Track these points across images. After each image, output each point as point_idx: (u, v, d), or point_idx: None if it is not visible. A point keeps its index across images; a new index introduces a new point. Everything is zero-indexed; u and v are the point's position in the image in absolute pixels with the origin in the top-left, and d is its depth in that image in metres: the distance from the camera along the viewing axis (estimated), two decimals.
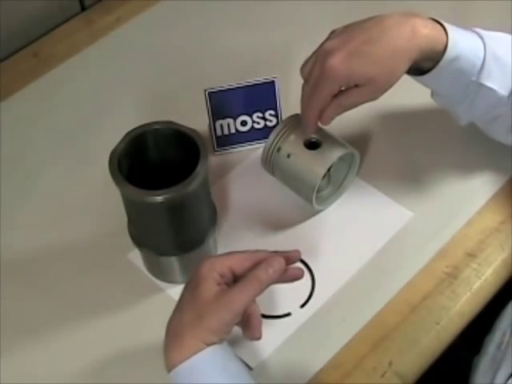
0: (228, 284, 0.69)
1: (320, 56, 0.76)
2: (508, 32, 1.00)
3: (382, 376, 0.76)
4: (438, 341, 0.80)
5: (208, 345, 0.65)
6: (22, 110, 1.02)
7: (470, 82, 0.79)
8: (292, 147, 0.85)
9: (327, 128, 0.87)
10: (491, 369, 0.77)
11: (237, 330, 0.79)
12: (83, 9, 1.15)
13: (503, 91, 0.79)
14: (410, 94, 0.87)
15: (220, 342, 0.67)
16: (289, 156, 0.85)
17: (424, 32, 0.75)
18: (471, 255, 0.85)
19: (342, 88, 0.77)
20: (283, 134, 0.85)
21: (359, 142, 0.94)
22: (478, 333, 0.82)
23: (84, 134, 0.98)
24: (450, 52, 0.76)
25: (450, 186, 0.90)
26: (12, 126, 1.00)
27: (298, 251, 0.73)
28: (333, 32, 0.80)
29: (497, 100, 0.80)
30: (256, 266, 0.69)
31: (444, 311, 0.81)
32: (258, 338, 0.72)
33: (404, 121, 0.97)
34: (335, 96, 0.78)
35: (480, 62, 0.77)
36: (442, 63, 0.76)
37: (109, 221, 0.87)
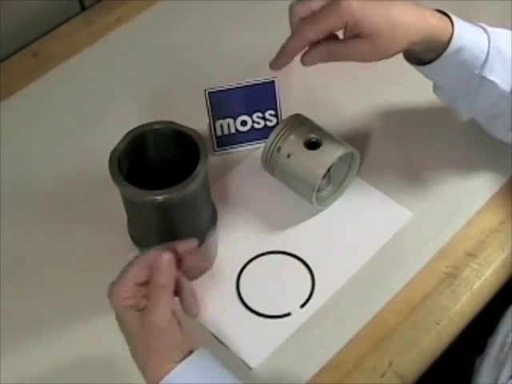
0: (143, 296, 0.68)
1: None
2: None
3: (382, 376, 0.76)
4: (438, 341, 0.80)
5: (176, 362, 0.66)
6: (22, 110, 1.02)
7: (473, 75, 0.79)
8: (292, 147, 0.85)
9: (327, 128, 0.87)
10: (494, 370, 0.77)
11: (237, 330, 0.79)
12: (83, 9, 1.15)
13: (505, 86, 0.79)
14: (410, 93, 0.87)
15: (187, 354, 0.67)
16: (289, 156, 0.85)
17: (431, 21, 0.76)
18: (471, 255, 0.85)
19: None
20: (283, 134, 0.85)
21: (359, 141, 0.93)
22: (478, 333, 0.82)
23: (84, 133, 0.98)
24: (455, 43, 0.76)
25: (449, 186, 0.90)
26: (12, 126, 1.00)
27: (193, 240, 0.71)
28: None
29: (498, 95, 0.80)
30: (152, 268, 0.68)
31: (444, 311, 0.81)
32: (195, 315, 0.71)
33: (404, 120, 0.97)
34: (326, 42, 0.75)
35: (484, 56, 0.78)
36: (445, 53, 0.76)
37: (109, 221, 0.87)
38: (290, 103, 0.94)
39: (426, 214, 0.88)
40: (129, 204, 0.75)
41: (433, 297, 0.82)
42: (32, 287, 0.84)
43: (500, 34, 0.79)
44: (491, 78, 0.79)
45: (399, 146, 0.95)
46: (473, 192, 0.90)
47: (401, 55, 0.97)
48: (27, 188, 0.93)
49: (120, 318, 0.68)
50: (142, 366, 0.68)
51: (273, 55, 1.05)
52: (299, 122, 0.86)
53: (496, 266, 0.84)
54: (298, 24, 0.75)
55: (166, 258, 0.66)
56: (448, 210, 0.88)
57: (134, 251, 0.82)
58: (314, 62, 0.77)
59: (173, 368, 0.66)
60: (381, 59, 0.76)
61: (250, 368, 0.77)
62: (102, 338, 0.79)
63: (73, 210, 0.90)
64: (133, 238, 0.80)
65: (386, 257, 0.85)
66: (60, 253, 0.86)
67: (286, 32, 1.01)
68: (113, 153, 0.73)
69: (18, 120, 1.01)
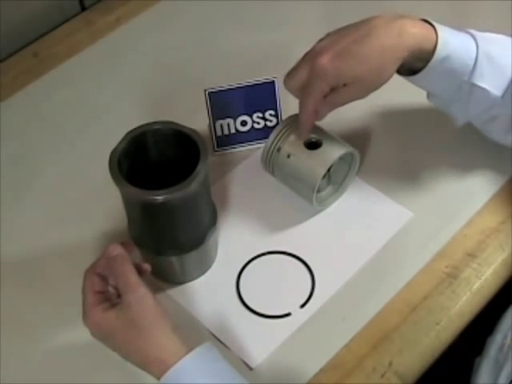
0: (114, 296, 0.71)
1: (310, 57, 0.77)
2: (508, 32, 1.00)
3: (382, 376, 0.76)
4: (438, 341, 0.80)
5: (186, 352, 0.67)
6: (22, 110, 1.02)
7: (463, 82, 0.78)
8: (292, 147, 0.85)
9: (327, 128, 0.87)
10: (494, 371, 0.77)
11: (237, 330, 0.79)
12: (83, 9, 1.15)
13: (496, 91, 0.79)
14: (410, 93, 0.87)
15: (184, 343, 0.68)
16: (289, 156, 0.85)
17: (412, 31, 0.75)
18: (471, 255, 0.85)
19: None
20: (283, 134, 0.85)
21: (359, 141, 0.93)
22: (478, 333, 0.82)
23: (84, 133, 0.98)
24: (441, 51, 0.76)
25: (449, 186, 0.90)
26: (12, 126, 1.00)
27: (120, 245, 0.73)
28: (327, 34, 0.80)
29: (491, 100, 0.80)
30: (105, 268, 0.72)
31: (444, 311, 0.81)
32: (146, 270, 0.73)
33: (404, 121, 0.97)
34: (326, 96, 0.78)
35: (472, 62, 0.77)
36: (432, 62, 0.76)
37: (109, 221, 0.87)
38: (290, 103, 0.94)
39: (426, 213, 0.88)
40: (129, 204, 0.75)
41: (433, 297, 0.82)
42: (32, 287, 0.84)
43: (488, 39, 0.79)
44: (481, 84, 0.78)
45: (399, 146, 0.95)
46: (473, 192, 0.90)
47: None
48: (27, 188, 0.93)
49: (104, 332, 0.69)
50: (144, 359, 0.68)
51: (273, 55, 1.06)
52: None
53: (496, 266, 0.84)
54: (299, 100, 0.80)
55: (111, 249, 0.71)
56: (448, 210, 0.88)
57: (134, 251, 0.82)
58: (325, 116, 0.82)
59: (178, 356, 0.66)
60: (377, 88, 0.78)
61: (250, 368, 0.77)
62: None
63: (73, 210, 0.90)
64: (133, 237, 0.80)
65: (386, 257, 0.85)
66: (60, 253, 0.86)
67: (286, 32, 1.02)
68: (113, 153, 0.73)
69: (17, 120, 1.01)
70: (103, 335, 0.70)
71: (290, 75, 0.80)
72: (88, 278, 0.72)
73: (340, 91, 0.78)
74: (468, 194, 0.90)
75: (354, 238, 0.86)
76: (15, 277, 0.85)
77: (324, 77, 0.76)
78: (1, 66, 1.07)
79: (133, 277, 0.69)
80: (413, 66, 0.78)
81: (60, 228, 0.89)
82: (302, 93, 0.79)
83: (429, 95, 0.85)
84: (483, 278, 0.83)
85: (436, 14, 1.11)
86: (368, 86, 0.77)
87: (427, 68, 0.77)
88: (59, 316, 0.81)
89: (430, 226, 0.87)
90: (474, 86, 0.78)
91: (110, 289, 0.72)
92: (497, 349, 0.79)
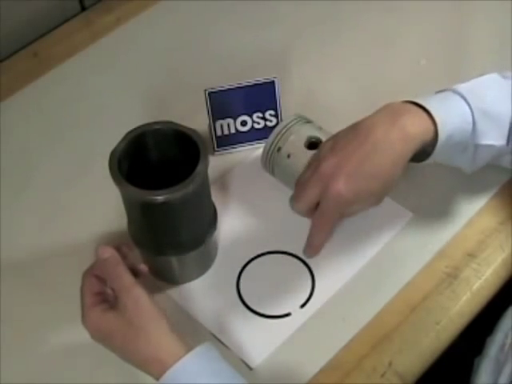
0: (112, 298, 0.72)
1: (322, 179, 0.77)
2: (508, 32, 1.00)
3: (382, 376, 0.76)
4: (438, 341, 0.80)
5: (186, 351, 0.67)
6: (21, 110, 1.02)
7: (467, 145, 0.79)
8: (292, 147, 0.85)
9: (327, 128, 0.87)
10: (494, 370, 0.77)
11: (237, 330, 0.79)
12: (83, 9, 1.15)
13: (501, 141, 0.79)
14: (410, 94, 0.87)
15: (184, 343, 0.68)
16: (289, 156, 0.85)
17: (414, 132, 0.75)
18: (471, 255, 0.85)
19: None
20: (283, 134, 0.85)
21: None
22: (478, 333, 0.82)
23: (84, 133, 0.98)
24: (443, 135, 0.75)
25: (450, 186, 0.90)
26: (12, 126, 1.00)
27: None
28: (322, 146, 0.80)
29: (497, 151, 0.80)
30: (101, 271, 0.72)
31: (444, 311, 0.81)
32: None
33: None
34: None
35: (471, 126, 0.77)
36: (437, 148, 0.76)
37: (108, 221, 0.87)
38: (290, 103, 0.94)
39: (426, 214, 0.88)
40: (129, 204, 0.75)
41: (433, 297, 0.82)
42: (32, 287, 0.84)
43: (477, 91, 0.78)
44: (485, 142, 0.78)
45: None
46: (473, 192, 0.90)
47: (399, 55, 0.98)
48: (27, 188, 0.93)
49: (103, 333, 0.69)
50: (142, 360, 0.68)
51: (273, 55, 1.05)
52: (299, 122, 0.86)
53: (496, 266, 0.84)
54: (313, 223, 0.81)
55: (100, 251, 0.71)
56: (448, 210, 0.88)
57: (134, 251, 0.82)
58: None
59: (179, 355, 0.66)
60: (390, 192, 0.80)
61: (250, 368, 0.77)
62: None
63: (73, 210, 0.90)
64: (133, 237, 0.80)
65: (386, 257, 0.85)
66: (60, 253, 0.86)
67: (285, 32, 1.02)
68: (113, 153, 0.73)
69: (17, 120, 1.01)
70: (102, 336, 0.70)
71: (298, 198, 0.80)
72: (86, 280, 0.72)
73: (353, 208, 0.80)
74: (468, 194, 0.90)
75: (354, 238, 0.86)
76: (15, 277, 0.85)
77: (341, 202, 0.76)
78: (1, 66, 1.07)
79: (127, 278, 0.70)
80: (416, 156, 0.78)
81: (60, 228, 0.89)
82: (312, 213, 0.80)
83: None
84: (483, 278, 0.83)
85: (436, 14, 1.11)
86: (380, 197, 0.79)
87: (434, 154, 0.77)
88: (59, 316, 0.81)
89: (430, 226, 0.87)
90: (479, 145, 0.78)
91: (108, 290, 0.72)
92: (497, 349, 0.79)
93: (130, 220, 0.79)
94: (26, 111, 1.02)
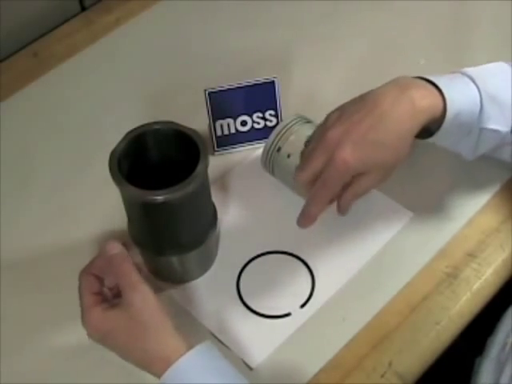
0: (111, 297, 0.72)
1: (328, 147, 0.75)
2: (508, 32, 1.00)
3: (382, 376, 0.76)
4: (438, 341, 0.80)
5: (186, 348, 0.67)
6: (21, 110, 1.02)
7: (472, 128, 0.78)
8: (292, 147, 0.85)
9: None
10: (495, 371, 0.77)
11: (237, 330, 0.79)
12: (83, 9, 1.15)
13: (506, 128, 0.78)
14: None
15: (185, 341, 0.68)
16: (289, 156, 0.85)
17: (422, 105, 0.74)
18: (471, 255, 0.85)
19: None
20: (283, 134, 0.85)
21: None
22: (478, 333, 0.82)
23: (84, 133, 0.98)
24: (450, 113, 0.75)
25: (449, 186, 0.90)
26: (12, 125, 1.00)
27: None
28: (328, 116, 0.79)
29: (501, 137, 0.79)
30: (101, 271, 0.72)
31: (444, 311, 0.81)
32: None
33: None
34: (346, 187, 0.78)
35: (478, 108, 0.76)
36: (444, 125, 0.75)
37: (109, 221, 0.87)
38: (290, 103, 0.94)
39: (426, 214, 0.88)
40: (129, 204, 0.75)
41: (433, 297, 0.82)
42: (32, 287, 0.84)
43: (486, 76, 0.78)
44: (491, 126, 0.78)
45: None
46: (473, 192, 0.90)
47: (399, 55, 0.97)
48: (27, 188, 0.93)
49: (104, 333, 0.69)
50: (146, 358, 0.68)
51: (273, 55, 1.05)
52: (299, 122, 0.86)
53: (496, 265, 0.84)
54: (312, 191, 0.78)
55: (108, 247, 0.71)
56: (448, 210, 0.88)
57: (134, 251, 0.82)
58: (347, 210, 0.82)
59: (181, 351, 0.67)
60: (396, 168, 0.78)
61: (250, 368, 0.77)
62: None
63: (73, 210, 0.90)
64: (133, 237, 0.80)
65: (386, 257, 0.85)
66: (60, 253, 0.86)
67: (286, 32, 1.02)
68: (113, 153, 0.73)
69: (17, 120, 1.01)
70: (103, 336, 0.70)
71: (302, 168, 0.78)
72: (84, 279, 0.72)
73: (361, 181, 0.78)
74: (468, 194, 0.90)
75: (354, 238, 0.86)
76: (15, 276, 0.85)
77: (347, 170, 0.75)
78: (1, 66, 1.07)
79: (135, 275, 0.70)
80: (421, 132, 0.78)
81: (60, 228, 0.89)
82: (314, 184, 0.77)
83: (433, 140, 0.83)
84: (483, 277, 0.83)
85: (436, 14, 1.11)
86: (387, 169, 0.78)
87: (440, 131, 0.76)
88: (59, 316, 0.81)
89: (430, 226, 0.87)
90: (484, 129, 0.78)
91: (105, 290, 0.72)
92: (499, 348, 0.79)
93: (130, 220, 0.79)
94: (26, 111, 1.02)
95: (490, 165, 0.91)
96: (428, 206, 0.89)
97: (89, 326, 0.70)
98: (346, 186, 0.79)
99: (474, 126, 0.78)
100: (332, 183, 0.76)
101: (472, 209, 0.88)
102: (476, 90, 0.76)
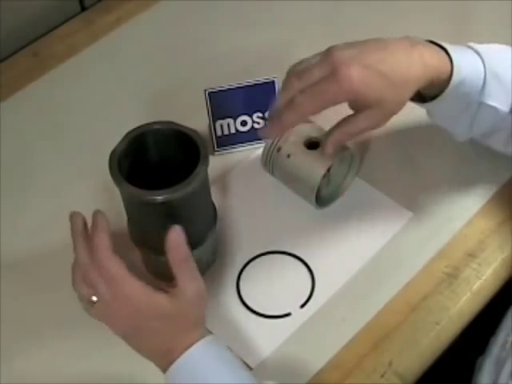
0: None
1: (333, 63, 0.71)
2: (508, 32, 1.00)
3: (382, 376, 0.76)
4: (438, 341, 0.80)
5: (197, 339, 0.68)
6: (22, 110, 1.02)
7: (471, 102, 0.78)
8: (292, 147, 0.85)
9: (327, 128, 0.87)
10: (495, 369, 0.77)
11: (237, 330, 0.79)
12: (83, 9, 1.15)
13: (504, 108, 0.78)
14: None
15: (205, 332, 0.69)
16: (289, 156, 0.85)
17: (431, 63, 0.74)
18: (471, 255, 0.85)
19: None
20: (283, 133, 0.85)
21: (359, 142, 0.93)
22: (479, 333, 0.82)
23: (84, 133, 0.98)
24: (456, 78, 0.74)
25: (449, 186, 0.90)
26: (12, 125, 1.00)
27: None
28: (332, 46, 0.75)
29: (498, 117, 0.79)
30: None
31: (444, 311, 0.81)
32: None
33: (404, 120, 0.97)
34: (339, 124, 0.75)
35: (481, 82, 0.76)
36: (448, 90, 0.75)
37: (109, 221, 0.86)
38: None
39: (426, 214, 0.88)
40: (129, 204, 0.75)
41: (433, 297, 0.82)
42: (32, 287, 0.84)
43: (492, 53, 0.78)
44: (490, 102, 0.77)
45: (399, 146, 0.95)
46: (473, 192, 0.90)
47: None
48: (27, 188, 0.93)
49: (136, 309, 0.68)
50: (159, 347, 0.69)
51: (273, 55, 1.05)
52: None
53: (496, 266, 0.84)
54: (296, 96, 0.71)
55: (174, 235, 0.70)
56: (448, 210, 0.88)
57: (134, 251, 0.82)
58: (337, 148, 0.77)
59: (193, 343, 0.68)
60: (389, 118, 0.75)
61: (250, 368, 0.77)
62: (102, 338, 0.79)
63: (73, 210, 0.90)
64: (133, 238, 0.80)
65: (386, 257, 0.85)
66: (60, 253, 0.86)
67: (285, 32, 1.02)
68: (113, 153, 0.73)
69: (17, 120, 1.01)
70: (136, 310, 0.68)
71: (301, 76, 0.72)
72: (74, 268, 0.72)
73: (358, 118, 0.73)
74: (468, 194, 0.90)
75: (353, 238, 0.86)
76: (15, 277, 0.85)
77: (349, 88, 0.69)
78: (1, 66, 1.07)
79: (195, 269, 0.70)
80: (424, 93, 0.77)
81: (60, 228, 0.88)
82: (304, 96, 0.71)
83: (430, 114, 0.83)
84: (483, 278, 0.83)
85: (436, 14, 1.11)
86: (387, 111, 0.74)
87: (442, 95, 0.76)
88: (59, 316, 0.81)
89: (429, 226, 0.87)
90: (483, 104, 0.77)
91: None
92: (499, 347, 0.79)
93: (130, 220, 0.79)
94: (26, 111, 1.02)
95: (490, 165, 0.91)
96: (428, 206, 0.89)
97: (125, 293, 0.68)
98: (337, 125, 0.76)
99: (474, 99, 0.77)
100: (325, 96, 0.70)
101: (472, 209, 0.88)
102: (481, 64, 0.76)
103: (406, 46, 0.74)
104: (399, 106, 0.74)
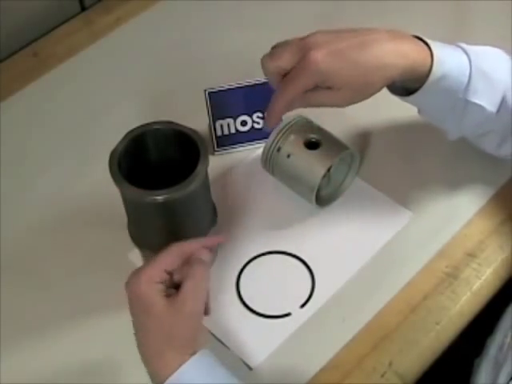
0: (169, 286, 0.69)
1: (304, 47, 0.73)
2: (508, 32, 1.00)
3: (382, 376, 0.76)
4: (438, 341, 0.80)
5: (190, 355, 0.66)
6: (21, 110, 1.02)
7: (457, 100, 0.77)
8: (292, 147, 0.85)
9: (327, 128, 0.87)
10: (493, 370, 0.77)
11: (237, 330, 0.79)
12: (83, 9, 1.15)
13: (491, 107, 0.78)
14: None
15: (199, 349, 0.67)
16: (289, 156, 0.85)
17: (410, 54, 0.74)
18: (471, 255, 0.85)
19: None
20: (283, 133, 0.85)
21: (359, 142, 0.94)
22: (478, 333, 0.82)
23: (84, 133, 0.98)
24: (436, 72, 0.74)
25: (449, 186, 0.90)
26: (12, 126, 1.00)
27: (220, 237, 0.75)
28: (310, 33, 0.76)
29: (485, 116, 0.79)
30: (187, 259, 0.70)
31: (444, 311, 0.81)
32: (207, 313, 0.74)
33: (404, 121, 0.97)
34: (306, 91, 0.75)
35: (466, 79, 0.76)
36: (427, 84, 0.75)
37: (109, 221, 0.86)
38: None
39: (426, 213, 0.88)
40: (129, 204, 0.76)
41: (433, 297, 0.82)
42: (32, 287, 0.84)
43: (481, 53, 0.78)
44: (475, 100, 0.77)
45: (399, 147, 0.95)
46: (473, 192, 0.90)
47: None
48: (27, 188, 0.93)
49: (143, 305, 0.68)
50: (154, 355, 0.68)
51: None
52: (299, 122, 0.86)
53: (496, 266, 0.84)
54: (277, 86, 0.75)
55: (207, 252, 0.72)
56: (448, 210, 0.88)
57: (134, 251, 0.82)
58: (293, 109, 0.77)
59: (186, 361, 0.66)
60: (359, 102, 0.75)
61: (250, 368, 0.77)
62: (102, 337, 0.79)
63: (73, 210, 0.90)
64: (133, 237, 0.80)
65: (386, 257, 0.85)
66: (60, 253, 0.86)
67: (285, 32, 1.02)
68: (113, 153, 0.73)
69: (17, 120, 1.01)
70: (149, 306, 0.68)
71: (272, 57, 0.75)
72: (168, 254, 0.70)
73: (321, 92, 0.74)
74: (468, 194, 0.90)
75: (354, 238, 0.86)
76: (15, 276, 0.85)
77: (314, 72, 0.72)
78: (1, 66, 1.07)
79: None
80: (406, 86, 0.77)
81: (60, 228, 0.89)
82: (281, 80, 0.75)
83: (420, 111, 0.84)
84: (483, 278, 0.83)
85: (436, 14, 1.11)
86: (351, 95, 0.75)
87: (422, 89, 0.76)
88: (59, 316, 0.81)
89: (430, 226, 0.87)
90: (469, 102, 0.77)
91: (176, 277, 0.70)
92: (497, 348, 0.79)
93: (130, 220, 0.79)
94: (26, 111, 1.02)
95: (490, 165, 0.91)
96: (428, 206, 0.89)
97: (140, 280, 0.68)
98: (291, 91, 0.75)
99: (459, 97, 0.77)
100: (297, 82, 0.73)
101: (472, 209, 0.88)
102: (467, 61, 0.76)
103: (384, 36, 0.74)
104: (364, 93, 0.75)
